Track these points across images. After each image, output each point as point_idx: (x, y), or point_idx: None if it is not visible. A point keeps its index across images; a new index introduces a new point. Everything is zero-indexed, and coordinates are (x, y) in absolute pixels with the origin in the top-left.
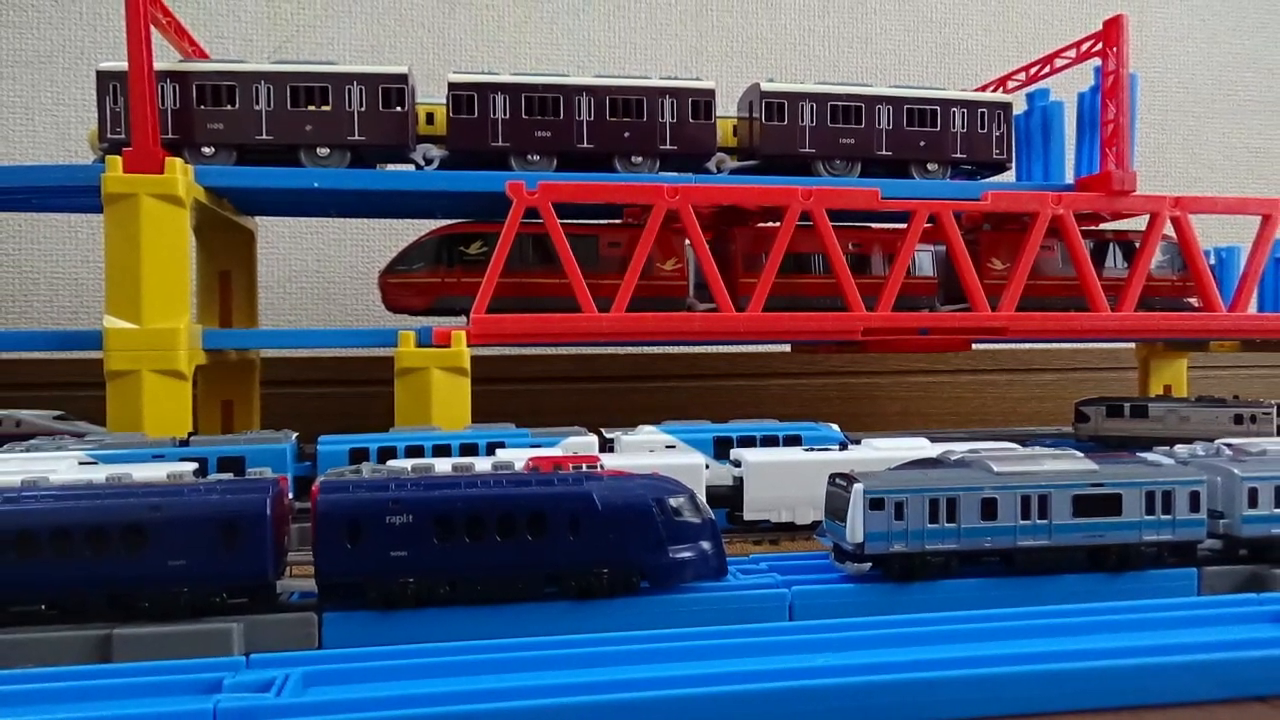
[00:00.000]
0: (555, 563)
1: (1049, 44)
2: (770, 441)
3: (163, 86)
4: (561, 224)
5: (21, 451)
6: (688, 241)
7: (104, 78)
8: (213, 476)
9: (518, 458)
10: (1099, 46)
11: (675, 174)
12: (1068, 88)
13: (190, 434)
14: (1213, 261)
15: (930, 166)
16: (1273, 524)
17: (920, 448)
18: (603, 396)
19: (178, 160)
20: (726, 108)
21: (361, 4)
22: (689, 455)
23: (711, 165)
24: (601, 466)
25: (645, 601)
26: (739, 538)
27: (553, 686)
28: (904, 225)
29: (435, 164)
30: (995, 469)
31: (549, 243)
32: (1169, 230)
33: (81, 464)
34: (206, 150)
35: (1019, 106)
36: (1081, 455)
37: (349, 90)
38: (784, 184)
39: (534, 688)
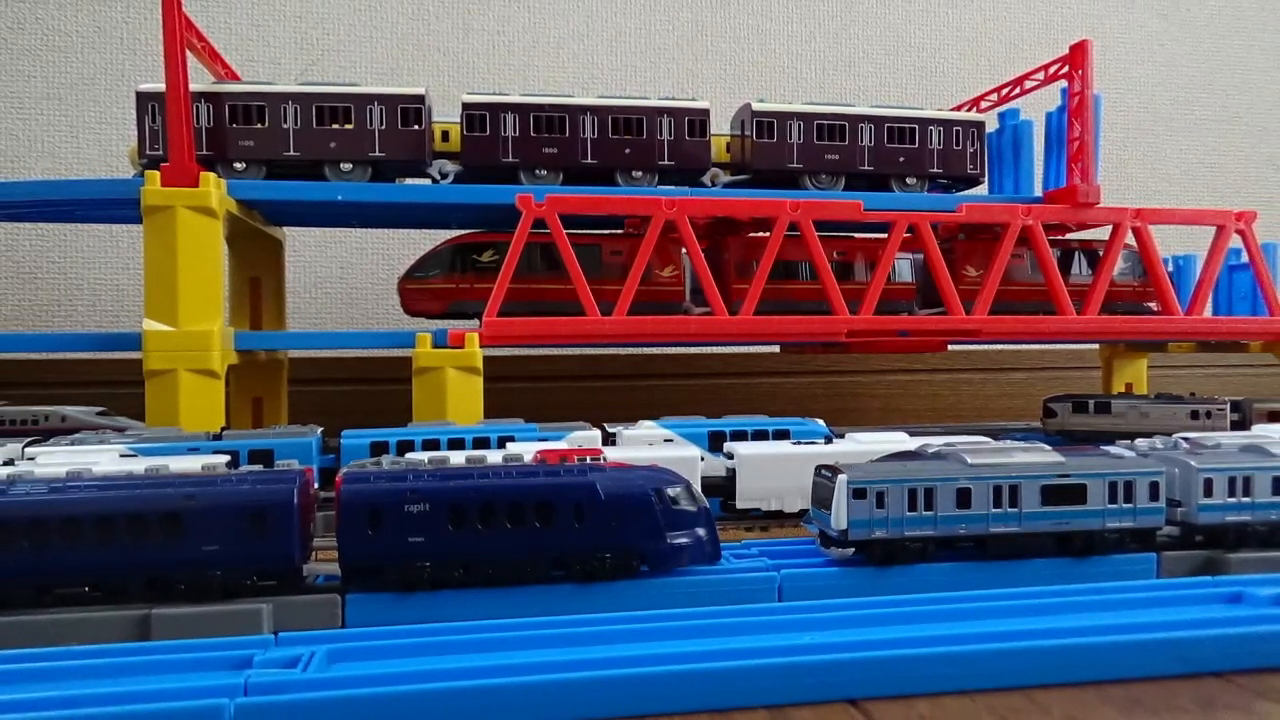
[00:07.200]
0: (561, 548)
1: (1019, 67)
2: (761, 436)
3: (198, 106)
4: (567, 234)
5: (67, 445)
6: (684, 250)
7: (143, 98)
8: (244, 468)
9: (526, 450)
10: (1065, 69)
11: (672, 187)
12: (1036, 108)
13: (223, 429)
14: (1171, 269)
15: (909, 180)
16: (1226, 512)
17: (900, 441)
18: (605, 394)
19: (211, 175)
20: (720, 126)
21: (382, 29)
22: (685, 448)
23: (706, 179)
24: (604, 459)
25: (645, 584)
26: (732, 525)
27: (559, 663)
28: (885, 235)
29: (450, 178)
30: (969, 461)
31: (555, 251)
32: (1130, 240)
33: (122, 456)
34: (238, 165)
35: (991, 125)
36: (1049, 448)
37: (370, 110)
38: (773, 196)
39: (541, 664)
